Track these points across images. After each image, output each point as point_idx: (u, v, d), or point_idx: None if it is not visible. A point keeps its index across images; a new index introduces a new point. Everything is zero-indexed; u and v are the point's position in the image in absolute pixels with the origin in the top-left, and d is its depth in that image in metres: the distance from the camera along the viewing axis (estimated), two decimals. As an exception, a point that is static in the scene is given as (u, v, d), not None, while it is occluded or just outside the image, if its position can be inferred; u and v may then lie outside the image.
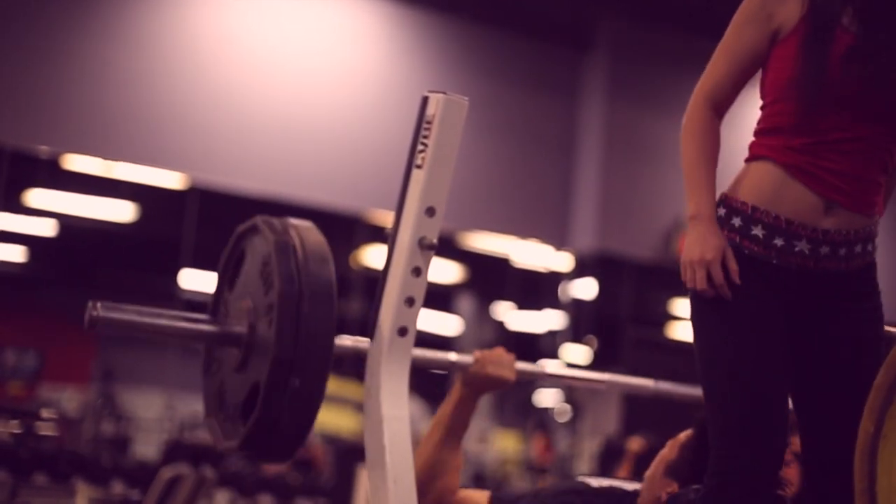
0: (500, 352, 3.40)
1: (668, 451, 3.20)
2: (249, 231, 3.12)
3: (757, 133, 2.88)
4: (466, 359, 3.36)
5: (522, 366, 3.43)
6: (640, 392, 3.63)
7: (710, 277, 2.72)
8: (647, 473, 3.22)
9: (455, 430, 3.43)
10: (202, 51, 11.38)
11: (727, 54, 2.88)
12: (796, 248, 2.74)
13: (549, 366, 3.60)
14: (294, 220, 3.02)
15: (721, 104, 2.91)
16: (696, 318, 2.81)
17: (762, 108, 2.88)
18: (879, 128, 2.75)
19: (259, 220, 3.06)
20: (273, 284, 2.86)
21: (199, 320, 3.09)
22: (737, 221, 2.78)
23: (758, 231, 2.75)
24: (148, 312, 2.97)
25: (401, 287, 2.87)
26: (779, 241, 2.74)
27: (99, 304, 2.85)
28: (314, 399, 2.83)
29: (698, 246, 2.75)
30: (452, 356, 3.39)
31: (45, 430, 7.87)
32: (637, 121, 13.02)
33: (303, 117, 11.68)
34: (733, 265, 2.73)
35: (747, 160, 2.88)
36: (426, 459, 3.43)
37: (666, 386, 3.61)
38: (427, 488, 3.38)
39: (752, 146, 2.88)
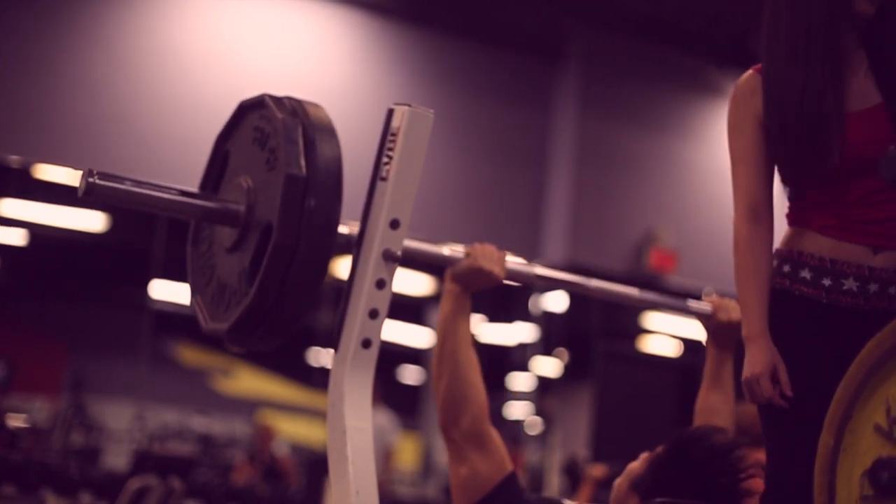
0: (491, 248, 3.36)
1: (638, 464, 3.21)
2: (233, 123, 3.11)
3: (791, 205, 2.96)
4: (458, 253, 3.32)
5: (513, 264, 3.41)
6: (624, 300, 3.61)
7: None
8: (616, 482, 3.23)
9: (463, 330, 3.40)
10: (174, 61, 11.36)
11: (741, 161, 2.92)
12: (844, 287, 2.78)
13: (537, 268, 3.58)
14: None
15: (761, 209, 2.91)
16: None
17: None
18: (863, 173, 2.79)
19: (243, 102, 3.04)
20: (272, 130, 2.82)
21: (194, 195, 3.00)
22: (786, 268, 2.84)
23: (805, 273, 2.81)
24: (145, 184, 2.89)
25: (365, 299, 2.87)
26: (826, 281, 2.79)
27: (96, 172, 2.79)
28: (332, 221, 2.78)
29: (750, 365, 2.79)
30: (445, 250, 3.31)
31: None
32: (609, 133, 13.05)
33: (275, 128, 11.67)
34: (784, 377, 2.75)
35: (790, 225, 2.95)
36: (452, 371, 3.38)
37: (650, 296, 3.62)
38: (462, 405, 3.38)
39: (788, 215, 2.95)
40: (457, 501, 3.45)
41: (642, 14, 12.30)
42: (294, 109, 2.84)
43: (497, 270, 3.32)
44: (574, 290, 3.55)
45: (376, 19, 12.31)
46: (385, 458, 10.30)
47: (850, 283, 2.77)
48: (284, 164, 2.72)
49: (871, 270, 2.77)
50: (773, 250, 2.91)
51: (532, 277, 3.56)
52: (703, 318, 3.64)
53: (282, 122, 2.78)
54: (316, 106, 2.89)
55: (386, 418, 10.35)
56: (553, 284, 3.64)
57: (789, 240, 2.89)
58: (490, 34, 12.83)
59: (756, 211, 2.89)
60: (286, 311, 2.79)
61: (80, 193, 2.80)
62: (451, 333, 3.39)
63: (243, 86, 11.51)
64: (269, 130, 2.84)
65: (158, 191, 2.91)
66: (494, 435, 3.45)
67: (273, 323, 2.81)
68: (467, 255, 3.31)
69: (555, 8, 12.45)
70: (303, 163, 2.73)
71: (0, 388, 10.69)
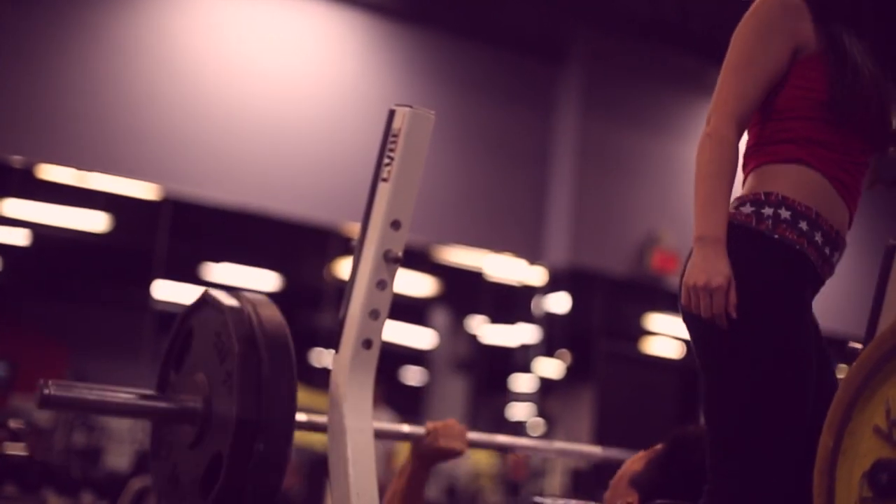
0: (451, 423, 3.46)
1: (638, 462, 3.20)
2: (197, 307, 3.12)
3: (785, 140, 2.79)
4: (419, 430, 3.43)
5: (474, 436, 3.51)
6: (588, 458, 3.72)
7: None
8: (614, 479, 3.23)
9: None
10: (177, 62, 11.36)
11: (752, 68, 2.75)
12: (833, 259, 2.77)
13: (498, 437, 3.71)
14: (245, 293, 3.02)
15: (746, 122, 2.79)
16: (728, 337, 2.65)
17: (776, 119, 2.81)
18: (874, 153, 2.84)
19: (207, 294, 3.07)
20: (230, 352, 2.84)
21: (151, 397, 3.08)
22: (804, 225, 2.69)
23: (818, 238, 2.71)
24: (99, 389, 2.95)
25: (366, 300, 2.87)
26: (828, 250, 2.74)
27: (51, 383, 2.82)
28: (280, 464, 2.81)
29: (705, 271, 2.61)
30: (405, 428, 3.47)
31: (13, 448, 7.82)
32: (611, 134, 13.04)
33: (277, 129, 11.67)
34: (733, 297, 2.61)
35: (777, 161, 2.78)
36: None
37: (613, 452, 3.72)
38: None
39: (786, 149, 2.78)
40: None
41: (644, 15, 12.30)
42: (252, 336, 2.84)
43: (458, 446, 3.45)
44: (531, 452, 3.75)
45: (378, 20, 12.31)
46: (386, 459, 10.28)
47: (836, 257, 2.79)
48: (239, 403, 2.77)
49: (844, 245, 2.82)
50: (776, 194, 2.74)
51: (495, 445, 3.76)
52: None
53: (239, 356, 2.80)
54: (279, 325, 2.91)
55: (387, 419, 10.33)
56: (515, 447, 3.80)
57: (797, 188, 2.72)
58: (492, 35, 12.84)
59: (743, 121, 2.78)
60: None
61: (36, 405, 2.82)
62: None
63: (244, 86, 11.56)
64: (228, 349, 2.86)
65: (114, 394, 2.98)
66: None
67: None
68: (428, 433, 3.42)
69: (557, 9, 12.45)
70: (256, 405, 2.77)
71: (2, 389, 10.69)
